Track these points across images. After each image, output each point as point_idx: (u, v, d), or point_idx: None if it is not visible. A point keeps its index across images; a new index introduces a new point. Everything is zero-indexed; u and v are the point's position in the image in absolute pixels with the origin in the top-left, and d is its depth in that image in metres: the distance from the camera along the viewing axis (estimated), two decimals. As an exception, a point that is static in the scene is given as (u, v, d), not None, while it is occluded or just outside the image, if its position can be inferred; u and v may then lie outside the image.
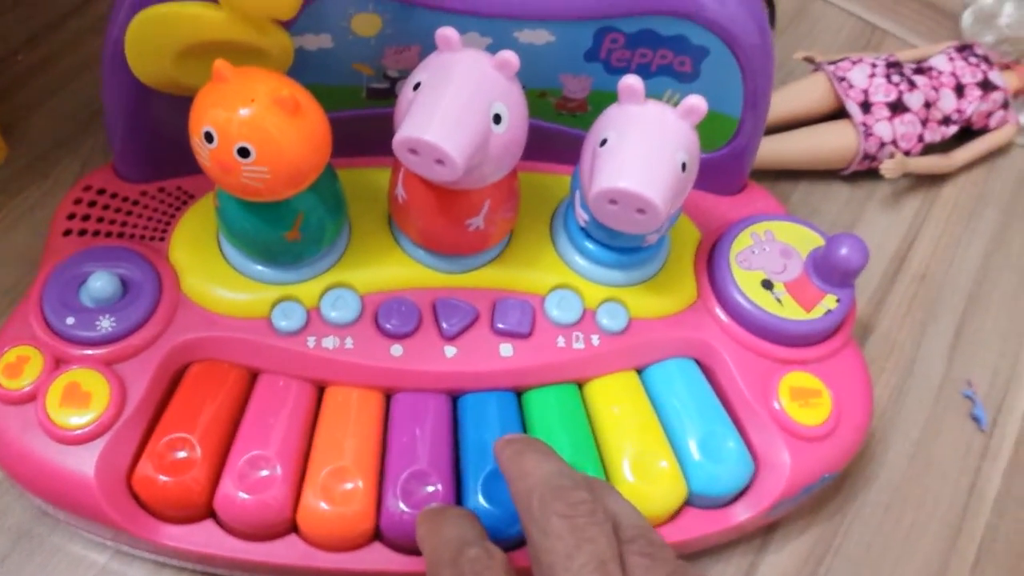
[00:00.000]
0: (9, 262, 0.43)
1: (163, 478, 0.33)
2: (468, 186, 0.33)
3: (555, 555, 0.26)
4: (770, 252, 0.38)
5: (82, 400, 0.33)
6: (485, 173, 0.32)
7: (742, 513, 0.36)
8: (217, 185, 0.33)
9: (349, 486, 0.33)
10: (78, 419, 0.33)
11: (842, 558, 0.39)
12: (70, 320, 0.34)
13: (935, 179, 0.52)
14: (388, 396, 0.36)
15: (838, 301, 0.37)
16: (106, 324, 0.34)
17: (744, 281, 0.37)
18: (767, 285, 0.37)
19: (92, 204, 0.38)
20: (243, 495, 0.32)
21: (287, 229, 0.34)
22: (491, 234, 0.36)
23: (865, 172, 0.51)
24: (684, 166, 0.32)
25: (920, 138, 0.50)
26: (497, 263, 0.38)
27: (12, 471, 0.33)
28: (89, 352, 0.34)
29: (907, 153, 0.50)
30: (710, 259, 0.39)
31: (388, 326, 0.36)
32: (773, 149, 0.49)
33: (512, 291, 0.37)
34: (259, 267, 0.36)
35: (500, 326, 0.36)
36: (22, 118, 0.48)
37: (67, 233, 0.37)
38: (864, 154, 0.49)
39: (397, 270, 0.37)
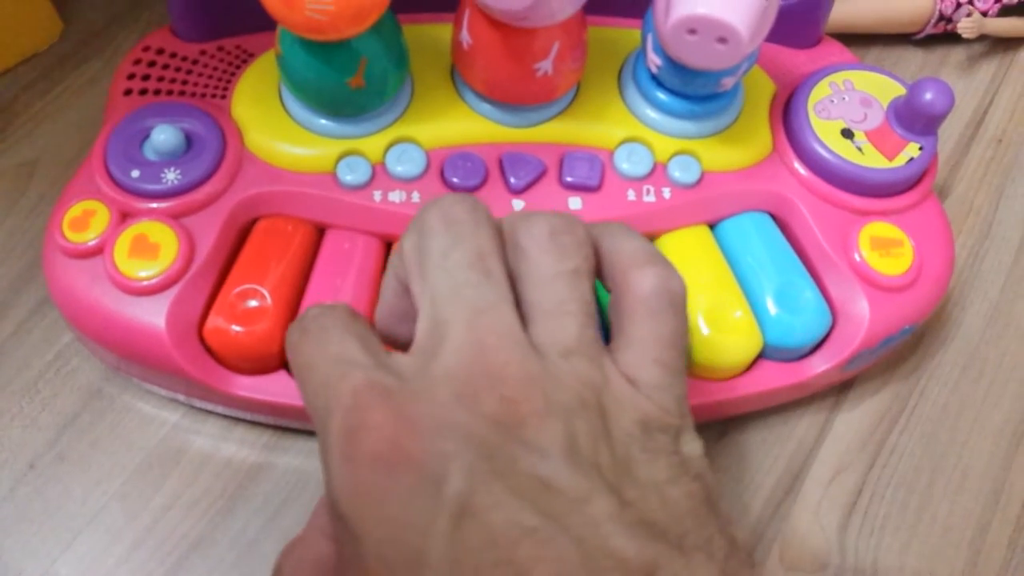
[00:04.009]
0: (71, 133, 0.43)
1: (235, 328, 0.32)
2: (537, 23, 0.31)
3: (431, 254, 0.23)
4: (849, 101, 0.37)
5: (150, 251, 0.33)
6: (554, 8, 0.31)
7: (820, 365, 0.35)
8: (279, 26, 0.32)
9: (421, 334, 0.33)
10: (147, 270, 0.32)
11: (918, 417, 0.39)
12: (135, 173, 0.34)
13: (1012, 42, 0.50)
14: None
15: (921, 149, 0.36)
16: (171, 177, 0.34)
17: (823, 130, 0.36)
18: (847, 134, 0.36)
19: (152, 64, 0.38)
20: (315, 344, 0.32)
21: (351, 75, 0.33)
22: (558, 82, 0.35)
23: (939, 36, 0.49)
24: (768, -8, 0.30)
25: (998, -2, 0.48)
26: (564, 117, 0.37)
27: (82, 325, 0.33)
28: (155, 205, 0.34)
29: (984, 14, 0.47)
30: (786, 110, 0.38)
31: (455, 180, 0.35)
32: (845, 11, 0.47)
33: (580, 145, 0.36)
34: (323, 120, 0.35)
35: (568, 179, 0.35)
36: (75, -8, 0.47)
37: (127, 93, 0.37)
38: (939, 15, 0.47)
39: (462, 124, 0.36)
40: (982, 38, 0.49)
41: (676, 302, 0.24)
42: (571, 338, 0.23)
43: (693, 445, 0.23)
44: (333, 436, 0.21)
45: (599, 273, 0.26)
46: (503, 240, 0.25)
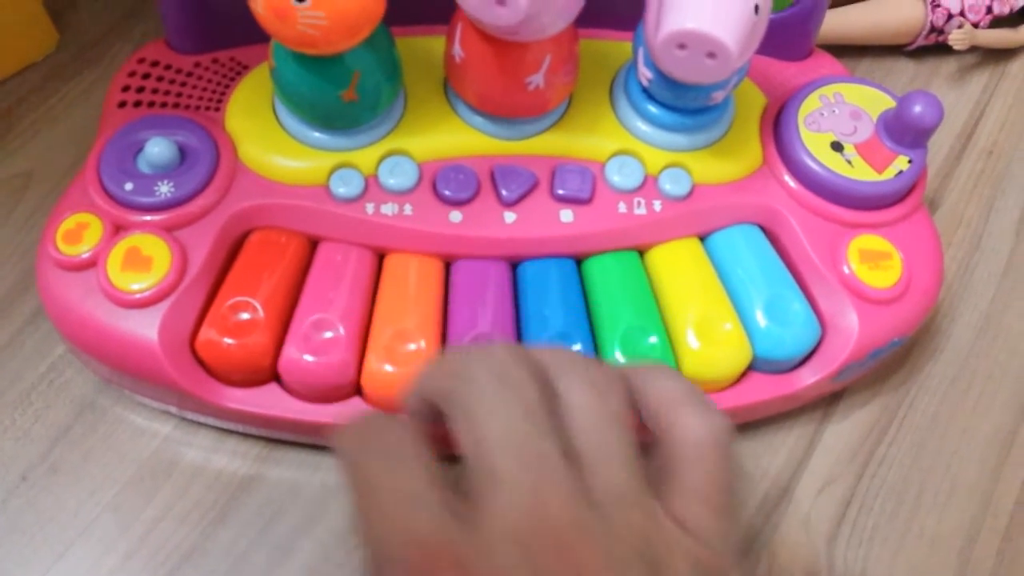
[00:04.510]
0: (66, 145, 0.43)
1: (227, 340, 0.33)
2: (528, 37, 0.32)
3: (479, 403, 0.23)
4: (840, 114, 0.37)
5: (143, 264, 0.33)
6: (545, 23, 0.31)
7: (808, 377, 0.35)
8: (273, 39, 0.32)
9: (412, 347, 0.33)
10: (140, 283, 0.33)
11: (907, 428, 0.39)
12: (128, 186, 0.34)
13: (1003, 54, 0.50)
14: (448, 265, 0.36)
15: (910, 162, 0.36)
16: (165, 190, 0.34)
17: (813, 143, 0.36)
18: (837, 147, 0.36)
19: (146, 76, 0.38)
20: (308, 357, 0.32)
21: (344, 88, 0.33)
22: (550, 95, 0.35)
23: (931, 47, 0.49)
24: (757, 8, 0.30)
25: (989, 9, 0.48)
26: (555, 130, 0.37)
27: (75, 337, 0.33)
28: (148, 218, 0.34)
29: (975, 25, 0.48)
30: (777, 123, 0.38)
31: (447, 192, 0.35)
32: (837, 22, 0.47)
33: (571, 158, 0.36)
34: (316, 133, 0.35)
35: (560, 192, 0.36)
36: (71, 4, 0.48)
37: (122, 105, 0.37)
38: (931, 27, 0.47)
39: (454, 137, 0.36)
40: (973, 49, 0.49)
41: (725, 446, 0.25)
42: (622, 484, 0.23)
43: None
44: None
45: (641, 415, 0.26)
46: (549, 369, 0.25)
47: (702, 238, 0.37)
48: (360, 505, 0.24)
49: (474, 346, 0.25)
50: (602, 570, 0.21)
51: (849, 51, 0.48)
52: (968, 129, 0.48)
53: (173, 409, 0.35)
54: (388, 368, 0.33)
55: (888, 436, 0.38)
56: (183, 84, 0.38)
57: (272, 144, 0.35)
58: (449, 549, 0.22)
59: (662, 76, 0.34)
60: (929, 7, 0.47)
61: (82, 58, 0.46)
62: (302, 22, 0.29)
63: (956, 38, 0.46)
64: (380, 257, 0.36)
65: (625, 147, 0.36)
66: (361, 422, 0.26)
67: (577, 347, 0.33)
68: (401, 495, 0.23)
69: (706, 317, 0.34)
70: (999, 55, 0.50)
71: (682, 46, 0.31)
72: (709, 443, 0.25)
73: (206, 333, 0.33)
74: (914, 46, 0.49)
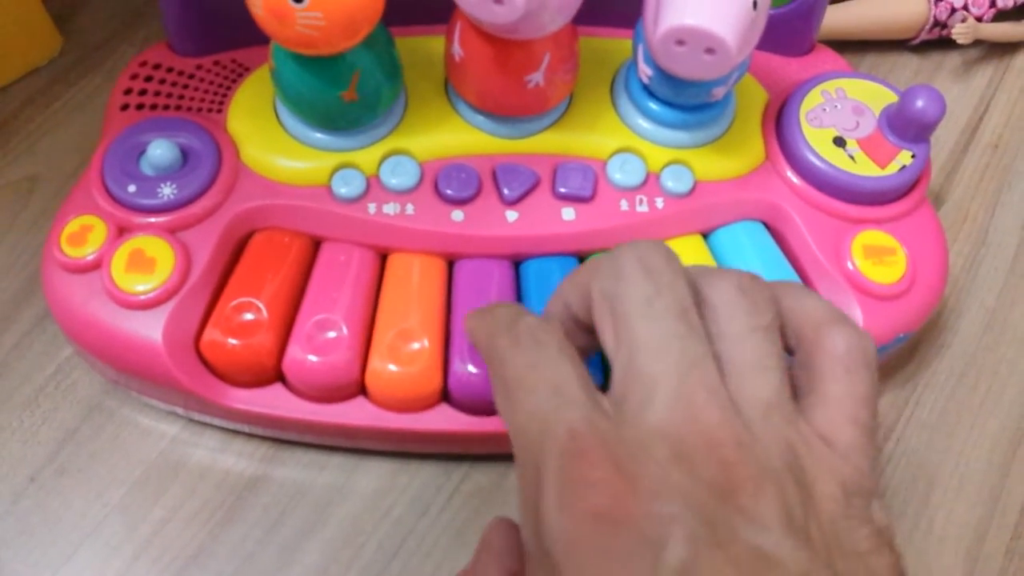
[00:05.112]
0: (71, 148, 0.43)
1: (231, 341, 0.33)
2: (527, 35, 0.32)
3: (631, 301, 0.23)
4: (842, 109, 0.37)
5: (147, 266, 0.33)
6: (544, 20, 0.31)
7: (813, 373, 0.35)
8: (272, 41, 0.32)
9: (416, 346, 0.33)
10: (144, 284, 0.33)
11: (914, 425, 0.39)
12: (132, 188, 0.34)
13: (1007, 47, 0.50)
14: (450, 264, 0.36)
15: (913, 157, 0.36)
16: (168, 191, 0.34)
17: (815, 139, 0.36)
18: (839, 142, 0.36)
19: (148, 79, 0.38)
20: (311, 357, 0.32)
21: (344, 88, 0.33)
22: (550, 93, 0.35)
23: (934, 42, 0.49)
24: (755, 3, 0.30)
25: (992, 3, 0.48)
26: (556, 128, 0.37)
27: (80, 339, 0.34)
28: (152, 220, 0.34)
29: (979, 19, 0.48)
30: (779, 119, 0.38)
31: (448, 192, 0.35)
32: (839, 18, 0.47)
33: (573, 156, 0.36)
34: (317, 134, 0.35)
35: (562, 190, 0.36)
36: (75, 9, 0.48)
37: (124, 108, 0.37)
38: (934, 21, 0.47)
39: (455, 136, 0.36)
40: (977, 43, 0.49)
41: (870, 362, 0.24)
42: (772, 395, 0.22)
43: (882, 513, 0.23)
44: (550, 478, 0.21)
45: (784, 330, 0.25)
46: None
47: (705, 235, 0.37)
48: (507, 402, 0.24)
49: (621, 244, 0.25)
50: (757, 479, 0.21)
51: (852, 46, 0.48)
52: (973, 123, 0.47)
53: (179, 410, 0.36)
54: (392, 367, 0.33)
55: (895, 433, 0.38)
56: (185, 87, 0.38)
57: (274, 145, 0.36)
58: (599, 440, 0.21)
59: (662, 73, 0.34)
60: (932, 1, 0.47)
61: (86, 62, 0.46)
62: (300, 23, 0.29)
63: (960, 32, 0.46)
64: (383, 257, 0.36)
65: (626, 145, 0.36)
66: (503, 316, 0.25)
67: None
68: (547, 387, 0.23)
69: (709, 314, 0.34)
70: (1004, 49, 0.50)
71: (680, 42, 0.30)
72: (859, 360, 0.24)
73: (210, 334, 0.33)
74: (917, 41, 0.48)
